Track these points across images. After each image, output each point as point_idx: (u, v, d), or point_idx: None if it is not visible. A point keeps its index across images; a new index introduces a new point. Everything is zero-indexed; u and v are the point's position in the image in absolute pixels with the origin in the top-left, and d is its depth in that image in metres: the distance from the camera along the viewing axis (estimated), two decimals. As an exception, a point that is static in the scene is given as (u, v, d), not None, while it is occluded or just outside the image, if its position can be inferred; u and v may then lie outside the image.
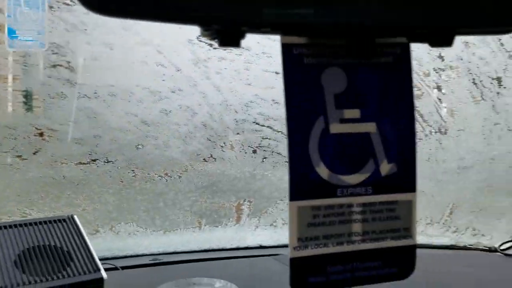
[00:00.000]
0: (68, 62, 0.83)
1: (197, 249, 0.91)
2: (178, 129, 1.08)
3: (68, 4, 0.78)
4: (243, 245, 0.93)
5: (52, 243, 0.55)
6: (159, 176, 0.93)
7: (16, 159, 0.86)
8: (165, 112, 1.08)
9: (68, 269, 0.51)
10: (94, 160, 1.01)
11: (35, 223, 0.59)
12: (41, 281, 0.49)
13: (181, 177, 1.10)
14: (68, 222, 0.60)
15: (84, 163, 1.01)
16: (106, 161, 1.01)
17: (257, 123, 1.11)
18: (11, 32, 0.80)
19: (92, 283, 0.52)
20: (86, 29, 0.81)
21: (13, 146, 0.91)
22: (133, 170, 1.05)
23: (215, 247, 0.92)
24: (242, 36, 0.24)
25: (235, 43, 0.24)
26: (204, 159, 1.11)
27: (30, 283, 0.49)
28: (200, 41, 1.05)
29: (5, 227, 0.57)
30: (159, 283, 0.61)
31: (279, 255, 0.81)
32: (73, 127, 0.97)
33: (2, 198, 0.94)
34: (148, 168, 1.07)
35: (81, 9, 0.65)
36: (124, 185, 1.05)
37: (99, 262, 0.55)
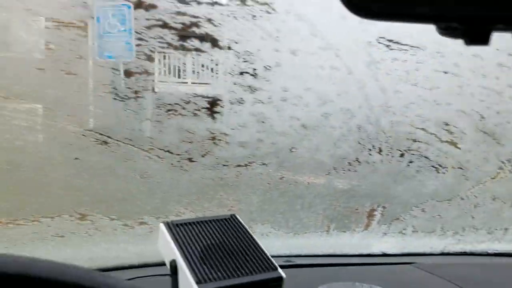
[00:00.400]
0: (254, 69, 0.93)
1: (320, 253, 1.06)
2: (333, 132, 1.19)
3: (269, 13, 0.89)
4: (366, 252, 1.10)
5: (225, 241, 0.60)
6: (303, 179, 1.11)
7: (186, 161, 1.00)
8: (325, 115, 1.16)
9: (245, 267, 0.57)
10: (251, 163, 1.12)
11: (202, 222, 0.84)
12: (229, 277, 0.55)
13: (323, 180, 1.28)
14: (232, 221, 0.65)
15: (241, 166, 1.12)
16: (261, 163, 1.13)
17: (412, 125, 1.25)
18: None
19: (273, 281, 0.57)
20: (278, 37, 0.91)
21: (187, 149, 1.00)
22: (281, 173, 1.20)
23: (338, 252, 1.09)
24: (491, 32, 0.26)
25: (484, 41, 0.26)
26: (349, 162, 1.27)
27: (219, 279, 0.55)
28: (379, 42, 1.06)
29: (180, 224, 0.79)
30: (302, 286, 0.76)
31: (414, 263, 0.95)
32: (242, 132, 1.06)
33: (166, 198, 1.06)
34: (295, 171, 1.22)
35: (279, 17, 0.72)
36: (270, 187, 1.21)
37: (274, 261, 0.60)
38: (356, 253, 1.18)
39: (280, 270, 0.60)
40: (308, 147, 1.12)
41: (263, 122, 1.00)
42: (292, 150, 1.11)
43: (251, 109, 0.97)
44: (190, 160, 0.97)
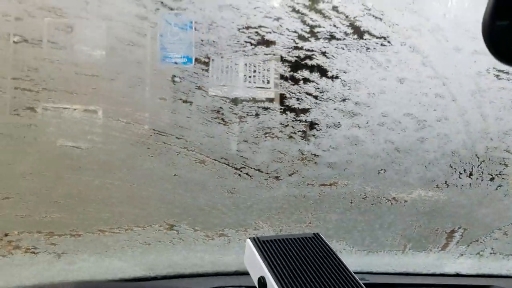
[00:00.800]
0: (358, 96, 1.07)
1: (392, 271, 1.26)
2: (426, 156, 1.34)
3: (383, 45, 1.03)
4: (439, 272, 1.28)
5: (312, 261, 0.70)
6: (387, 199, 1.27)
7: (273, 180, 1.13)
8: (421, 140, 1.31)
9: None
10: (336, 183, 1.30)
11: (288, 240, 0.77)
12: None
13: (407, 201, 1.46)
14: (316, 240, 0.79)
15: (326, 185, 1.31)
16: (346, 183, 1.33)
17: (508, 151, 1.27)
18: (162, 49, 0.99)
19: None
20: (388, 66, 1.05)
21: (277, 168, 1.23)
22: (365, 193, 1.40)
23: (411, 271, 1.27)
24: None
25: None
26: (437, 185, 1.29)
27: None
28: (489, 72, 1.19)
29: (267, 241, 0.74)
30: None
31: (492, 286, 1.10)
32: (333, 153, 1.21)
33: (247, 212, 1.29)
34: (380, 192, 1.41)
35: (393, 48, 0.91)
36: (352, 206, 1.41)
37: (361, 282, 0.69)
38: (429, 272, 1.38)
39: None
40: (397, 169, 1.29)
41: (355, 144, 1.17)
42: (380, 172, 1.29)
43: (346, 132, 1.14)
44: (277, 178, 1.17)
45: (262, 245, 0.73)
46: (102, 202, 0.98)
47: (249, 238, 0.74)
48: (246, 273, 1.30)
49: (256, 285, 0.68)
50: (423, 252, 1.42)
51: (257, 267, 0.69)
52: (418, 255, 1.42)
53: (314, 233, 0.79)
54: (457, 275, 1.28)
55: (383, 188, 1.29)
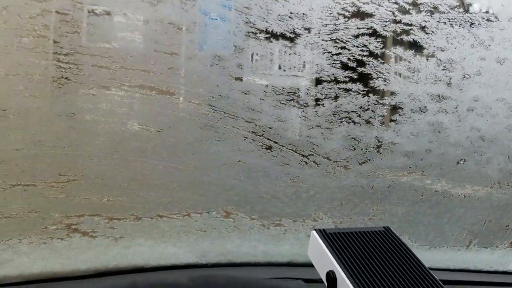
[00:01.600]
0: (450, 78, 0.95)
1: (452, 267, 1.17)
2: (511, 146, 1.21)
3: (490, 21, 0.90)
4: (501, 269, 1.21)
5: (385, 256, 0.63)
6: (461, 192, 1.17)
7: (341, 169, 1.02)
8: (509, 128, 1.18)
9: (411, 286, 0.57)
10: (410, 173, 1.07)
11: (357, 233, 0.69)
12: None
13: (481, 195, 1.34)
14: (387, 234, 0.70)
15: (398, 176, 1.21)
16: (420, 174, 1.19)
17: None
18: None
19: None
20: (489, 45, 0.93)
21: (347, 156, 1.03)
22: (439, 185, 1.27)
23: (472, 268, 1.20)
24: None
25: None
26: None
27: None
28: None
29: (334, 234, 0.67)
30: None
31: None
32: (412, 141, 1.01)
33: (308, 203, 1.20)
34: (455, 184, 1.28)
35: (499, 24, 0.73)
36: (422, 199, 1.28)
37: (440, 282, 0.62)
38: (491, 270, 1.27)
39: None
40: (478, 160, 1.15)
41: (439, 132, 1.04)
42: (460, 162, 1.16)
43: (431, 118, 1.00)
44: (345, 167, 1.06)
45: (329, 237, 0.68)
46: (164, 187, 0.89)
47: (315, 229, 0.69)
48: (300, 265, 1.20)
49: (324, 280, 0.63)
50: (488, 248, 1.30)
51: (325, 260, 0.64)
52: (482, 251, 1.31)
53: (384, 227, 0.73)
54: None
55: (459, 180, 1.15)
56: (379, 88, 0.93)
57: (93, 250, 0.98)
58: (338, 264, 0.61)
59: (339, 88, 0.91)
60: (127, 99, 0.82)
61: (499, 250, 1.35)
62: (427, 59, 0.91)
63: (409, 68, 0.90)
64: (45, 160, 0.83)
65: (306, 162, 1.00)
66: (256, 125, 0.90)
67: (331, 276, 0.61)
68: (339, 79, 0.89)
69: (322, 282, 0.64)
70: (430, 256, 1.29)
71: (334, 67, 0.87)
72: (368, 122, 0.96)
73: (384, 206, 1.18)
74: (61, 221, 0.89)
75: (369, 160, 1.03)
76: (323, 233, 0.68)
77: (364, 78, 0.88)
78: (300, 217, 1.15)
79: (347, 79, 0.89)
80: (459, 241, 1.33)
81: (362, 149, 1.00)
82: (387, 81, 0.89)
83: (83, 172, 0.83)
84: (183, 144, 0.87)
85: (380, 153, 1.03)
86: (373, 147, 1.00)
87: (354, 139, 0.97)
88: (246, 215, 1.12)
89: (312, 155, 0.99)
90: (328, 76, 0.87)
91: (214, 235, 1.13)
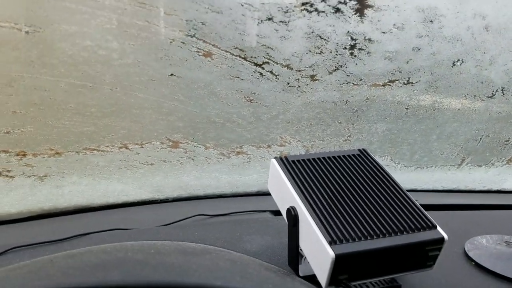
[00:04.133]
0: None
1: (440, 188, 1.00)
2: None
3: None
4: (494, 188, 1.03)
5: (360, 187, 0.50)
6: (456, 102, 0.95)
7: (307, 80, 0.77)
8: None
9: (392, 223, 0.46)
10: (392, 81, 0.91)
11: (325, 159, 0.55)
12: (372, 236, 0.44)
13: (479, 105, 1.07)
14: (363, 158, 0.55)
15: (378, 85, 0.92)
16: (406, 82, 0.91)
17: None
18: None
19: (432, 243, 0.46)
20: None
21: (313, 62, 0.79)
22: (428, 96, 0.99)
23: (462, 188, 1.01)
24: None
25: None
26: None
27: (360, 238, 0.44)
28: None
29: (297, 161, 0.53)
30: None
31: None
32: (395, 36, 0.79)
33: (271, 125, 0.93)
34: (449, 93, 1.00)
35: None
36: (407, 113, 1.02)
37: (428, 215, 0.49)
38: (484, 189, 1.09)
39: (440, 228, 0.48)
40: (481, 60, 0.88)
41: (431, 21, 0.75)
42: (456, 63, 0.89)
43: (421, 1, 0.71)
44: (312, 78, 0.80)
45: (291, 166, 0.54)
46: (78, 113, 0.65)
47: (274, 157, 0.55)
48: (267, 194, 1.01)
49: (285, 217, 0.52)
50: (483, 166, 1.11)
51: (284, 194, 0.52)
52: (476, 170, 1.14)
53: (359, 149, 0.59)
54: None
55: (454, 88, 0.91)
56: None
57: (16, 191, 0.78)
58: (300, 198, 0.50)
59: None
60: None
61: (495, 168, 1.16)
62: None
63: None
64: None
65: (261, 73, 0.74)
66: (181, 20, 0.63)
67: (292, 213, 0.49)
68: None
69: None
70: (415, 177, 1.11)
71: None
72: (337, 10, 0.68)
73: (362, 124, 0.96)
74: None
75: (342, 66, 0.77)
76: (284, 161, 0.55)
77: None
78: (264, 142, 0.93)
79: None
80: (450, 160, 1.13)
81: (331, 52, 0.73)
82: None
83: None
84: (81, 50, 0.60)
85: (355, 55, 0.76)
86: (345, 48, 0.74)
87: (320, 37, 0.70)
88: (199, 143, 0.90)
89: (268, 63, 0.73)
90: None
91: (165, 168, 0.92)
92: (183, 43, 0.67)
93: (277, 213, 0.81)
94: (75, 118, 0.70)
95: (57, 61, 0.63)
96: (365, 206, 0.49)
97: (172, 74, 0.70)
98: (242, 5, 0.64)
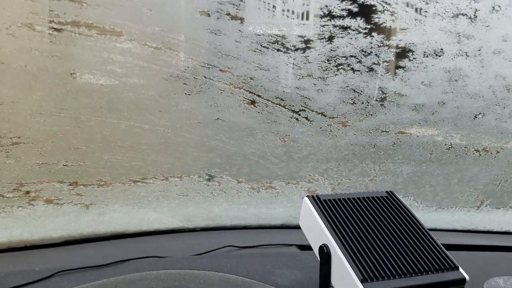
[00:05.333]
0: (475, 10, 0.73)
1: (460, 228, 1.05)
2: None
3: None
4: None
5: (388, 227, 0.53)
6: (476, 150, 1.02)
7: (338, 125, 0.87)
8: None
9: (418, 263, 0.50)
10: (418, 129, 0.91)
11: (355, 199, 0.59)
12: (400, 275, 0.49)
13: (499, 152, 1.15)
14: (390, 200, 0.59)
15: (404, 133, 0.92)
16: (431, 130, 0.97)
17: None
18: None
19: (454, 284, 0.51)
20: None
21: (347, 111, 0.90)
22: (452, 142, 1.08)
23: (481, 228, 1.06)
24: None
25: None
26: None
27: (390, 277, 0.48)
28: None
29: (329, 200, 0.58)
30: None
31: None
32: (423, 92, 0.83)
33: (302, 163, 1.03)
34: (470, 140, 1.07)
35: None
36: (431, 158, 1.09)
37: (451, 256, 0.53)
38: (501, 230, 1.13)
39: (462, 270, 0.52)
40: (501, 114, 0.96)
41: (456, 80, 0.84)
42: (477, 116, 0.97)
43: (448, 63, 0.80)
44: (343, 124, 0.89)
45: (323, 204, 0.58)
46: (131, 149, 0.74)
47: (307, 196, 0.59)
48: (294, 227, 1.06)
49: (317, 254, 0.54)
50: (501, 209, 1.15)
51: (318, 232, 0.55)
52: (494, 212, 1.19)
53: (387, 192, 0.62)
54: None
55: (474, 137, 0.97)
56: (385, 25, 0.72)
57: (62, 217, 0.85)
58: (332, 237, 0.53)
59: (335, 26, 0.71)
60: (60, 41, 0.64)
61: (512, 210, 1.20)
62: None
63: (424, -1, 0.68)
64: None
65: (297, 119, 0.82)
66: (233, 75, 0.72)
67: (324, 250, 0.53)
68: (334, 13, 0.68)
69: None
70: (436, 217, 1.15)
71: (327, -4, 0.66)
72: (370, 69, 0.76)
73: (387, 166, 1.02)
74: (17, 188, 0.75)
75: (370, 115, 0.85)
76: (316, 200, 0.58)
77: (366, 12, 0.67)
78: (293, 179, 1.00)
79: (344, 13, 0.69)
80: (470, 202, 1.18)
81: (363, 103, 0.81)
82: (396, 15, 0.68)
83: (28, 134, 0.67)
84: (145, 99, 0.70)
85: (385, 106, 0.84)
86: (376, 100, 0.81)
87: (354, 90, 0.78)
88: (232, 178, 0.97)
89: (304, 110, 0.81)
90: (321, 9, 0.66)
91: (198, 200, 0.99)
92: (232, 93, 0.76)
93: (303, 247, 0.85)
94: (128, 154, 0.79)
95: (123, 107, 0.73)
96: (393, 246, 0.53)
97: (218, 118, 0.79)
98: (287, 64, 0.73)
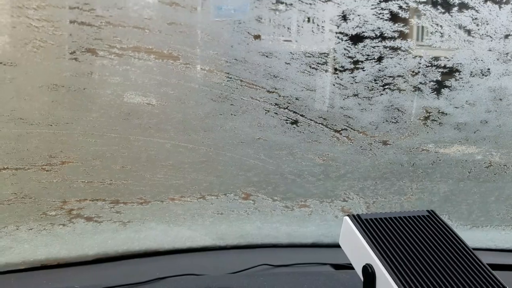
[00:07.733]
0: None
1: (494, 247, 1.04)
2: None
3: None
4: None
5: (432, 247, 0.53)
6: (506, 165, 1.02)
7: (379, 144, 0.89)
8: None
9: (466, 284, 0.50)
10: (459, 148, 0.93)
11: (397, 219, 0.58)
12: None
13: None
14: (432, 220, 0.59)
15: (445, 150, 0.93)
16: (472, 148, 0.95)
17: None
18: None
19: None
20: None
21: (388, 129, 0.86)
22: (491, 160, 1.09)
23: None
24: None
25: None
26: None
27: None
28: None
29: (370, 220, 0.57)
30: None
31: None
32: (467, 111, 0.85)
33: (338, 182, 1.05)
34: (509, 158, 1.00)
35: None
36: (469, 176, 0.99)
37: (498, 277, 0.53)
38: None
39: None
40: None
41: (500, 99, 0.85)
42: None
43: (493, 83, 0.81)
44: (384, 143, 0.89)
45: (364, 224, 0.58)
46: (173, 168, 0.75)
47: (348, 215, 0.59)
48: (325, 246, 1.06)
49: (360, 274, 0.55)
50: (538, 228, 1.14)
51: (361, 252, 0.55)
52: (530, 230, 1.15)
53: (428, 210, 0.62)
54: None
55: (506, 153, 0.97)
56: (433, 44, 0.73)
57: (100, 235, 0.87)
58: (377, 257, 0.53)
59: (385, 47, 0.72)
60: (120, 65, 0.66)
61: (550, 229, 1.18)
62: (499, 7, 0.70)
63: (475, 19, 0.69)
64: (30, 141, 0.69)
65: (337, 138, 0.83)
66: (279, 96, 0.73)
67: (368, 270, 0.53)
68: (385, 35, 0.69)
69: (353, 268, 0.56)
70: (471, 235, 1.14)
71: (380, 18, 0.68)
72: (417, 89, 0.77)
73: (425, 184, 1.02)
74: (61, 206, 0.77)
75: (413, 134, 0.85)
76: (357, 220, 0.58)
77: (417, 33, 0.68)
78: (328, 198, 1.01)
79: (396, 35, 0.70)
80: (505, 220, 1.17)
81: (405, 122, 0.82)
82: (445, 36, 0.69)
83: (78, 154, 0.69)
84: (192, 119, 0.71)
85: (427, 125, 0.84)
86: (419, 119, 0.82)
87: (398, 109, 0.79)
88: (268, 196, 0.98)
89: (346, 129, 0.82)
90: (373, 31, 0.67)
91: (232, 218, 1.00)
92: (276, 113, 0.77)
93: (338, 266, 0.85)
94: (170, 172, 0.80)
95: (170, 127, 0.74)
96: (439, 267, 0.52)
97: (259, 138, 0.80)
98: (334, 85, 0.74)
